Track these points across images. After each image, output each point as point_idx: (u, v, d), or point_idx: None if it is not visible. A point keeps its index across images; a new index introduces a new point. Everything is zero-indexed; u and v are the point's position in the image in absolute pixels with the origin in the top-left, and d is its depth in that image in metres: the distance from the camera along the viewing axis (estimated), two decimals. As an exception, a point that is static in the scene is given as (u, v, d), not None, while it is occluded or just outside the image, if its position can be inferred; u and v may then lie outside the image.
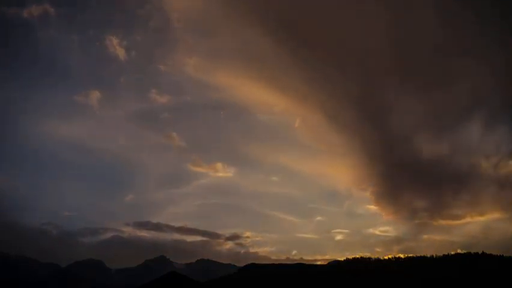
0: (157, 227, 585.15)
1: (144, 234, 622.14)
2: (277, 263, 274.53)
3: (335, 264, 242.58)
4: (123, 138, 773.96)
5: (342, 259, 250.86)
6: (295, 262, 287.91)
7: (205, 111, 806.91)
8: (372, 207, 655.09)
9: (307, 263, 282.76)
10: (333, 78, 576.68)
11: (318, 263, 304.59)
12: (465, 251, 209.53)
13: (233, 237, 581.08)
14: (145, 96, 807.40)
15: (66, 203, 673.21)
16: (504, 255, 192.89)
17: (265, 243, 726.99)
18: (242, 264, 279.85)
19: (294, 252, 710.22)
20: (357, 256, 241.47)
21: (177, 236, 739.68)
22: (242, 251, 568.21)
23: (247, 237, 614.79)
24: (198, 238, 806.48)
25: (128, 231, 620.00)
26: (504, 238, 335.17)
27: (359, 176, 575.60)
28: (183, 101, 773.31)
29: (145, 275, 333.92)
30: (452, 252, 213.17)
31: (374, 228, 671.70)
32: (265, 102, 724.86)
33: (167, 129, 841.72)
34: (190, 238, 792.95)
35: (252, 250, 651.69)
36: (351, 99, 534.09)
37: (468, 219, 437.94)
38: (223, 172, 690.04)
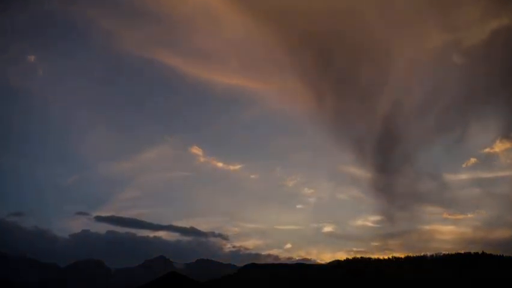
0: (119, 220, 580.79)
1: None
2: (277, 262, 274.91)
3: (335, 264, 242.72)
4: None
5: (342, 259, 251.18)
6: (296, 262, 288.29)
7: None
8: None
9: (307, 262, 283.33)
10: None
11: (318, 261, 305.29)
12: (465, 251, 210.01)
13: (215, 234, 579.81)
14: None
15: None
16: (504, 255, 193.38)
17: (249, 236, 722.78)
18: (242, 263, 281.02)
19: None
20: (358, 256, 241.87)
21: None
22: (241, 251, 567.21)
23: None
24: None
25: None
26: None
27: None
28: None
29: (145, 275, 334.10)
30: (453, 252, 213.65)
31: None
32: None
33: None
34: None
35: (237, 244, 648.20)
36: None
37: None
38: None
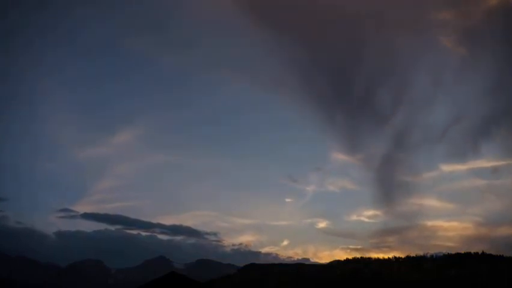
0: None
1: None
2: (277, 262, 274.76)
3: (335, 264, 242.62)
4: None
5: (342, 259, 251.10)
6: (296, 262, 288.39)
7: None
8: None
9: (307, 262, 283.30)
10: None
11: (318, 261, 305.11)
12: (465, 251, 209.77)
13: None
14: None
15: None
16: (504, 255, 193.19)
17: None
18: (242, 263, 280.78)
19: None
20: (358, 256, 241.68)
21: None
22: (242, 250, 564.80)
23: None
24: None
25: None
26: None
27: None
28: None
29: (144, 275, 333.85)
30: (453, 252, 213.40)
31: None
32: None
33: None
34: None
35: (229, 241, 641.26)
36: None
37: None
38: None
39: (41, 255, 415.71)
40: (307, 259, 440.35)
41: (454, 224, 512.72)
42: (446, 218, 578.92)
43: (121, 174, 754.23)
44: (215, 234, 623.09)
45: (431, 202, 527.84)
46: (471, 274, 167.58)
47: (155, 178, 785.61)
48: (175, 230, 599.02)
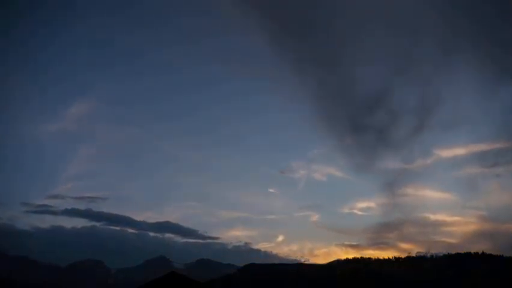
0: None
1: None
2: (277, 262, 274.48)
3: (334, 264, 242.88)
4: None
5: (342, 259, 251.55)
6: (296, 262, 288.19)
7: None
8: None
9: (307, 262, 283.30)
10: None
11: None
12: (465, 251, 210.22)
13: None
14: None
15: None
16: (504, 255, 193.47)
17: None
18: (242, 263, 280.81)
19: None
20: (357, 256, 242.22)
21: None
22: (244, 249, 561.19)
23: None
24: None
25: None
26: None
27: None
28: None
29: (144, 275, 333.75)
30: (453, 252, 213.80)
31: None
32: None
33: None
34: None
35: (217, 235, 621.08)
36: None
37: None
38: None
39: (41, 255, 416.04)
40: (303, 258, 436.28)
41: (456, 217, 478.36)
42: (447, 211, 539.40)
43: (91, 156, 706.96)
44: (206, 232, 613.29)
45: (430, 193, 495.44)
46: (471, 274, 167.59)
47: (129, 161, 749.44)
48: (163, 227, 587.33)
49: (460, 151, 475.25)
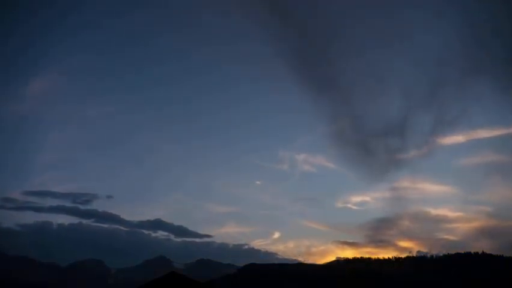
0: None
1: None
2: (277, 262, 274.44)
3: (334, 264, 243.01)
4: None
5: (342, 259, 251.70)
6: (296, 262, 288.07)
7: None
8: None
9: (307, 262, 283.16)
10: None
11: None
12: (465, 251, 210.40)
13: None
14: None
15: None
16: (504, 255, 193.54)
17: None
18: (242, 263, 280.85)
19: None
20: (358, 256, 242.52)
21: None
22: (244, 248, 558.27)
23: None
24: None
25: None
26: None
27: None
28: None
29: (145, 275, 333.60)
30: (452, 252, 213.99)
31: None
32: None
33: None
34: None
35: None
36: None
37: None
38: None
39: (41, 255, 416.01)
40: (300, 256, 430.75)
41: (459, 213, 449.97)
42: (449, 205, 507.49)
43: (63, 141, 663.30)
44: (198, 230, 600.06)
45: (429, 186, 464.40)
46: (471, 274, 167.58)
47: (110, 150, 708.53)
48: (153, 225, 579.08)
49: (461, 138, 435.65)
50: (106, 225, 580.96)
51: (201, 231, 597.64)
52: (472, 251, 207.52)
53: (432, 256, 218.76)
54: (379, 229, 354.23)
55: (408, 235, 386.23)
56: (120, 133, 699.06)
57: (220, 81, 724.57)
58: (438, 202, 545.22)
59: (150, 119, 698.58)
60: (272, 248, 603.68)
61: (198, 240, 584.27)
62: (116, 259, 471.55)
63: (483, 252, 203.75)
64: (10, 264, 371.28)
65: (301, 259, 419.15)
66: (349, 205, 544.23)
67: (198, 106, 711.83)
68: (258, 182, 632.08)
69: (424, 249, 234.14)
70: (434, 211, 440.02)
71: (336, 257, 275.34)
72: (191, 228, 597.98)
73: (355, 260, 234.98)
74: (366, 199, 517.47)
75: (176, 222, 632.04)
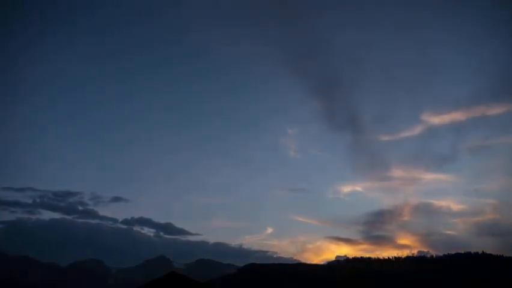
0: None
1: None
2: (277, 262, 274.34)
3: (334, 264, 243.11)
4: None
5: (342, 259, 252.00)
6: (296, 262, 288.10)
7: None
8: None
9: (307, 262, 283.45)
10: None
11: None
12: (465, 251, 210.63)
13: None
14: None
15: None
16: (504, 255, 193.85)
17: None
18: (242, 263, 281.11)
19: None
20: (357, 256, 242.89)
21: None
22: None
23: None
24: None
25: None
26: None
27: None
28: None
29: (145, 275, 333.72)
30: (452, 252, 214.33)
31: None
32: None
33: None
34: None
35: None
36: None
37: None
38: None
39: (41, 255, 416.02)
40: (296, 253, 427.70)
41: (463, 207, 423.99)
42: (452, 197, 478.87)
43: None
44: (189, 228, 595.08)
45: (424, 174, 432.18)
46: (471, 274, 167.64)
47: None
48: (138, 222, 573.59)
49: (458, 116, 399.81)
50: (89, 221, 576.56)
51: (189, 228, 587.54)
52: (472, 251, 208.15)
53: (432, 256, 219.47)
54: (374, 223, 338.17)
55: (406, 231, 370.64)
56: (101, 128, 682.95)
57: (211, 69, 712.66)
58: (437, 193, 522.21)
59: (132, 110, 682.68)
60: (265, 243, 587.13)
61: (191, 239, 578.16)
62: (117, 259, 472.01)
63: (483, 252, 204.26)
64: (10, 264, 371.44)
65: (294, 256, 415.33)
66: (340, 195, 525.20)
67: (183, 96, 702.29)
68: (244, 170, 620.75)
69: (422, 248, 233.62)
70: (437, 202, 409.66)
71: (336, 257, 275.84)
72: (177, 224, 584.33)
73: (355, 260, 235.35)
74: (357, 188, 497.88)
75: (162, 220, 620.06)
